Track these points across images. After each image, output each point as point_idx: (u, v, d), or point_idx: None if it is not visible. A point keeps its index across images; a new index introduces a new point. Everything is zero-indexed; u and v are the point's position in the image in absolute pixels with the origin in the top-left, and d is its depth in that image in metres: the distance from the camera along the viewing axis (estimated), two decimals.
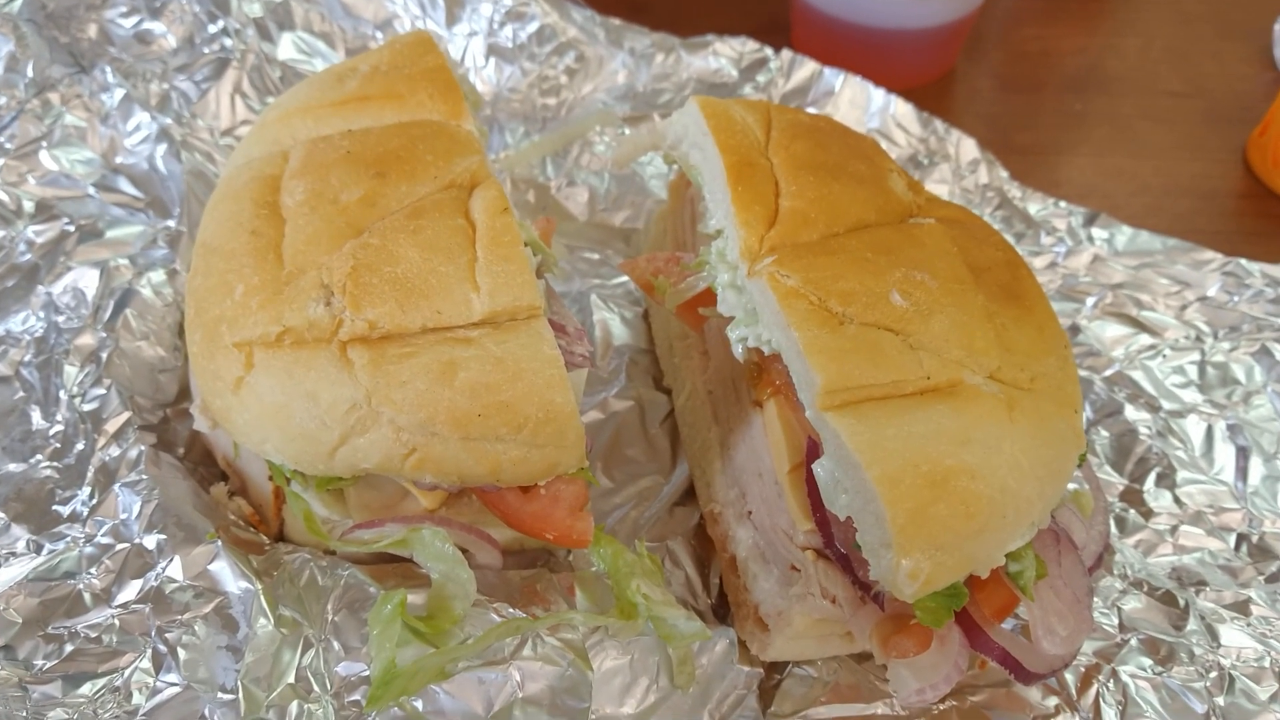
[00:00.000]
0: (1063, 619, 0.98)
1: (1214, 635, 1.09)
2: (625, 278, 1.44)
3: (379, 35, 1.54)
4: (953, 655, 0.97)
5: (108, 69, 1.39)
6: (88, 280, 1.23)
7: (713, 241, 1.10)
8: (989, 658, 0.98)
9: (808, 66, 1.59)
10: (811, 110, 1.55)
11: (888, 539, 0.88)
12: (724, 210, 1.07)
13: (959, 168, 1.53)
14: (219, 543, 1.02)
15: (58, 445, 1.12)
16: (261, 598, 0.98)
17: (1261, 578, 1.14)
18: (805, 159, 1.09)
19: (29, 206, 1.30)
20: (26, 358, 1.18)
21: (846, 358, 0.93)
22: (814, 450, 0.99)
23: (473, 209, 1.04)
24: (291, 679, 0.96)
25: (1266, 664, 1.07)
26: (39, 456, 1.11)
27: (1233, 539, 1.18)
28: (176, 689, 0.95)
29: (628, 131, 1.54)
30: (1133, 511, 1.21)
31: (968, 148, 1.54)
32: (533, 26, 1.56)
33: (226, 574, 1.00)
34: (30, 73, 1.37)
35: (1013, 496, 0.91)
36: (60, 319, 1.20)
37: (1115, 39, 2.01)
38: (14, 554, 1.04)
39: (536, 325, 0.98)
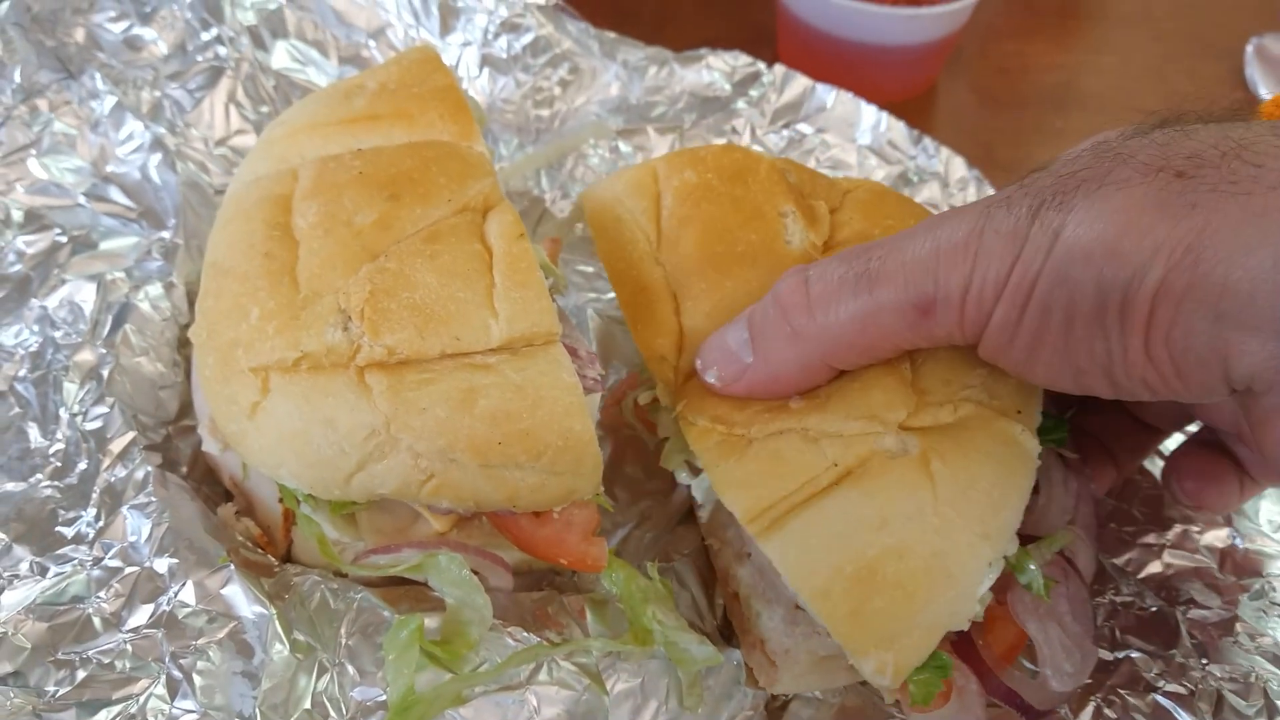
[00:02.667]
0: (1070, 655, 0.99)
1: (1203, 652, 1.13)
2: None
3: (371, 44, 1.53)
4: (972, 707, 0.97)
5: (97, 75, 1.36)
6: (84, 294, 1.21)
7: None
8: (1000, 701, 0.99)
9: (800, 82, 1.60)
10: (803, 127, 1.58)
11: (841, 646, 0.90)
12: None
13: (948, 186, 1.55)
14: (232, 566, 1.01)
15: (58, 464, 1.10)
16: (276, 622, 0.98)
17: (1246, 595, 1.18)
18: (695, 255, 1.08)
19: (18, 216, 1.27)
20: (21, 373, 1.16)
21: (754, 481, 0.94)
22: None
23: (488, 233, 1.04)
24: (308, 705, 0.96)
25: (1253, 679, 1.10)
26: (39, 475, 1.09)
27: (1217, 557, 1.21)
28: (194, 716, 0.94)
29: (621, 145, 1.54)
30: (1123, 530, 1.24)
31: (957, 166, 1.56)
32: (527, 38, 1.56)
33: (240, 598, 1.00)
34: (17, 78, 1.34)
35: (948, 555, 0.90)
36: (57, 334, 1.18)
37: (1092, 55, 2.05)
38: (18, 576, 1.02)
39: (554, 351, 0.99)
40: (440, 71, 1.18)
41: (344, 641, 0.99)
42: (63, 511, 1.07)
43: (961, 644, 0.98)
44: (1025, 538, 1.03)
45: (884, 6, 1.71)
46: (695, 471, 1.10)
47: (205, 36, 1.44)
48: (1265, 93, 1.95)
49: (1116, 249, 0.76)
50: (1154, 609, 1.17)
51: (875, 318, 0.88)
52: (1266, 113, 1.68)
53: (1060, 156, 0.96)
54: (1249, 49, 2.01)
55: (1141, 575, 1.21)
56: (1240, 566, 1.21)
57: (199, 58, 1.43)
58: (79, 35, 1.42)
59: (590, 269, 1.48)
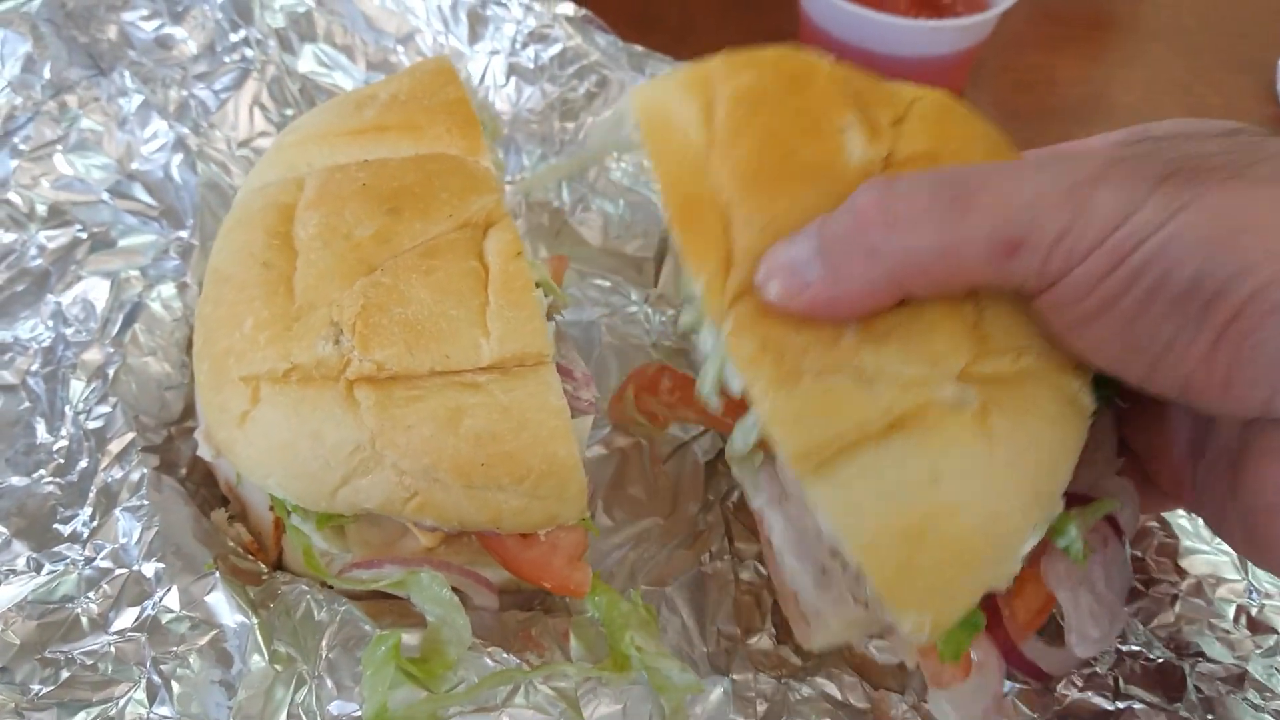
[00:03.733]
0: (1098, 621, 0.94)
1: (1209, 708, 1.09)
2: (635, 308, 1.44)
3: (400, 49, 1.53)
4: (992, 685, 0.92)
5: (126, 73, 1.38)
6: (98, 292, 1.23)
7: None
8: (1020, 673, 0.95)
9: None
10: None
11: (881, 601, 0.86)
12: (679, 253, 0.99)
13: None
14: (217, 574, 1.01)
15: (61, 461, 1.11)
16: (257, 633, 0.98)
17: (1259, 651, 1.14)
18: (748, 168, 0.97)
19: (42, 210, 1.29)
20: (33, 367, 1.18)
21: (805, 419, 0.87)
22: None
23: (486, 251, 1.03)
24: (283, 717, 0.95)
25: None
26: (42, 471, 1.11)
27: (1232, 610, 1.17)
28: None
29: (645, 159, 1.52)
30: (1135, 578, 1.20)
31: None
32: (555, 49, 1.55)
33: (223, 606, 1.00)
34: (47, 74, 1.36)
35: (1000, 517, 0.86)
36: (69, 331, 1.20)
37: (1120, 69, 2.00)
38: (14, 571, 1.03)
39: (544, 373, 0.98)
40: (453, 84, 1.17)
41: (325, 654, 0.99)
42: (61, 509, 1.08)
43: (987, 611, 0.93)
44: (1070, 496, 0.96)
45: (906, 18, 1.68)
46: (729, 405, 1.01)
47: (234, 38, 1.45)
48: None
49: (1232, 244, 0.73)
50: (1160, 660, 1.13)
51: (958, 248, 0.82)
52: None
53: (1177, 123, 0.93)
54: None
55: (1151, 624, 1.17)
56: (1255, 622, 1.17)
57: (226, 58, 1.44)
58: (111, 32, 1.44)
59: (607, 284, 1.47)
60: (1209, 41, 2.05)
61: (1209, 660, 1.13)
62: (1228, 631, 1.16)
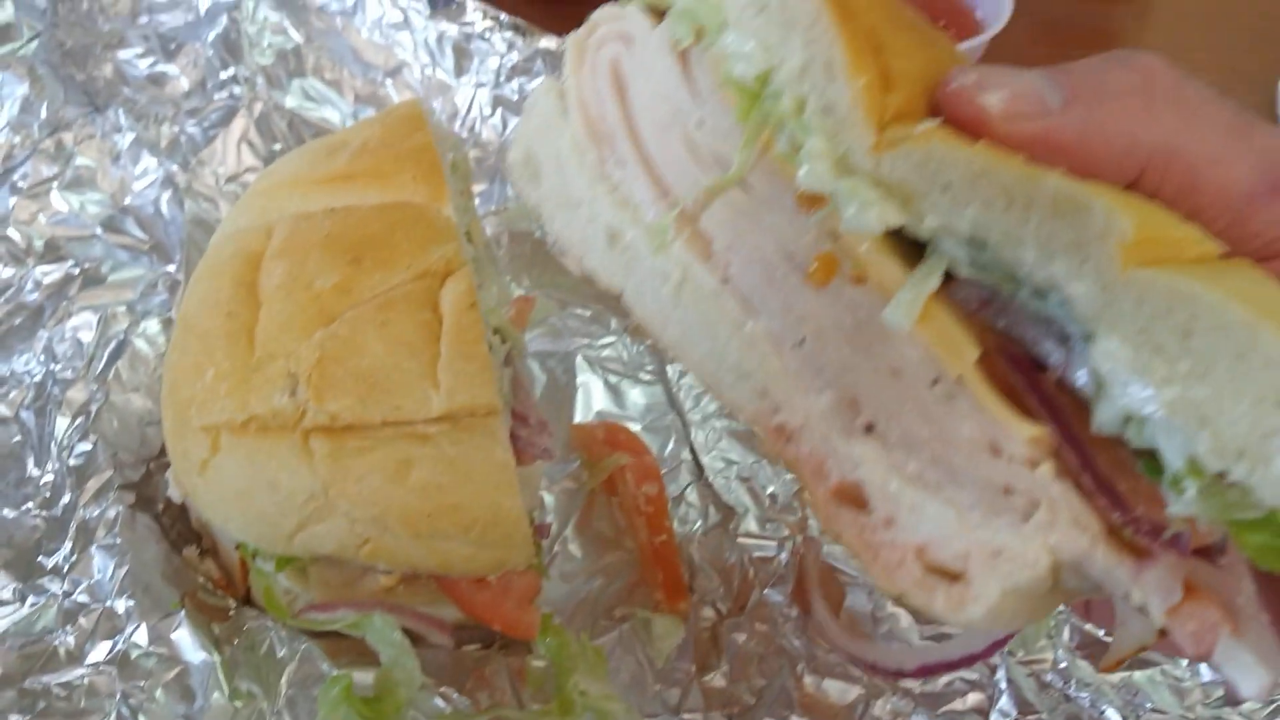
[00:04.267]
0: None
1: None
2: (613, 338, 1.46)
3: (389, 82, 1.57)
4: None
5: (120, 110, 1.43)
6: (86, 328, 1.28)
7: (806, 84, 0.76)
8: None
9: None
10: None
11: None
12: (819, 51, 0.75)
13: None
14: (183, 612, 1.06)
15: (47, 495, 1.16)
16: (219, 670, 1.03)
17: (1205, 703, 1.14)
18: (894, 13, 0.79)
19: (39, 246, 1.35)
20: (26, 400, 1.23)
21: (1137, 206, 0.68)
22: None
23: (442, 301, 1.06)
24: None
25: None
26: (30, 504, 1.16)
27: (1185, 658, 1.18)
28: None
29: None
30: (1088, 623, 1.21)
31: None
32: (538, 81, 1.57)
33: (188, 643, 1.05)
34: (44, 113, 1.41)
35: None
36: (57, 367, 1.25)
37: None
38: (2, 603, 1.09)
39: (492, 425, 1.01)
40: (421, 130, 1.20)
41: (284, 691, 1.04)
42: (46, 542, 1.13)
43: None
44: None
45: None
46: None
47: (224, 75, 1.50)
48: None
49: None
50: (1104, 710, 1.14)
51: (1230, 163, 0.71)
52: None
53: None
54: None
55: (1102, 668, 1.18)
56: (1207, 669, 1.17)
57: (216, 95, 1.49)
58: (107, 70, 1.49)
59: (587, 313, 1.49)
60: (1210, 60, 2.02)
61: (1155, 710, 1.14)
62: (1179, 679, 1.16)
